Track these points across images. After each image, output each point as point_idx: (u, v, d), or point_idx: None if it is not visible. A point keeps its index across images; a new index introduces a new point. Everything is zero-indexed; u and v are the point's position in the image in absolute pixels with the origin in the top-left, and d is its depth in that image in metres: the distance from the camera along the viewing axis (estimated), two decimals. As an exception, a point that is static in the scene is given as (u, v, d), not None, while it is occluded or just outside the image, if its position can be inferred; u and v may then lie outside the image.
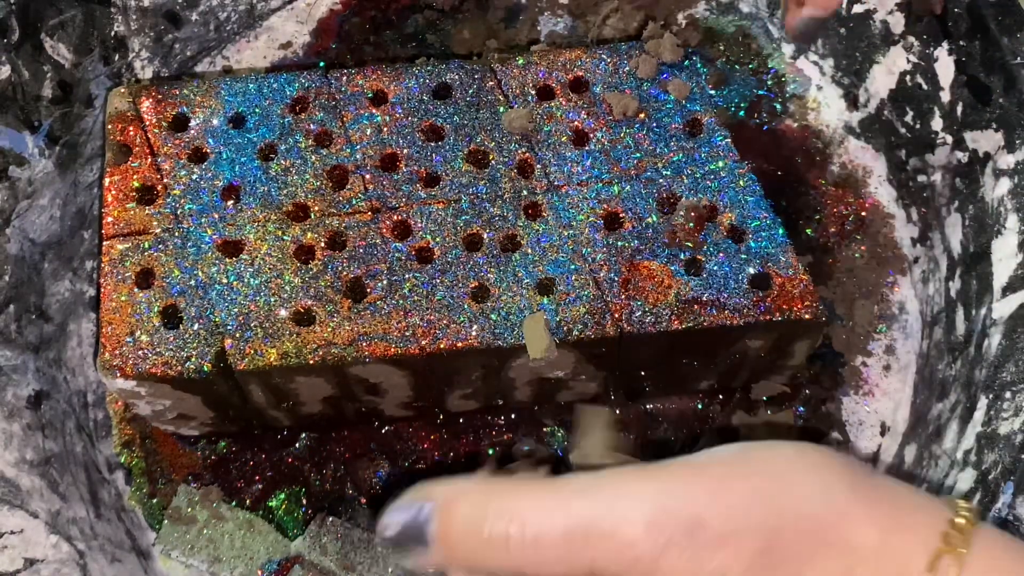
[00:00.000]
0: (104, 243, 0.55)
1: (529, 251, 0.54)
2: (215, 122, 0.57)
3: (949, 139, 0.61)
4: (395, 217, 0.55)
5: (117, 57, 0.65)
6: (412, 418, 0.61)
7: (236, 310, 0.53)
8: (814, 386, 0.62)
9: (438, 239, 0.54)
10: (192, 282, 0.54)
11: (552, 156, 0.56)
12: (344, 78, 0.58)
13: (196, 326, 0.53)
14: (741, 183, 0.56)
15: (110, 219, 0.55)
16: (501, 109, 0.57)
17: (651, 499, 0.39)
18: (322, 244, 0.54)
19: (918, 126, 0.63)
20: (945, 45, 0.61)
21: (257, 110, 0.57)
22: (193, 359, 0.52)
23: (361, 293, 0.53)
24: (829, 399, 0.62)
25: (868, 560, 0.39)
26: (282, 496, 0.60)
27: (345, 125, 0.57)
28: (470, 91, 0.58)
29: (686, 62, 0.59)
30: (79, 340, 0.62)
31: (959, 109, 0.60)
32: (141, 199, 0.56)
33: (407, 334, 0.52)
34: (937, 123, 0.61)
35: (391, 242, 0.54)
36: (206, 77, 0.67)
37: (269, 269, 0.54)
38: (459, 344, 0.52)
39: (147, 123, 0.57)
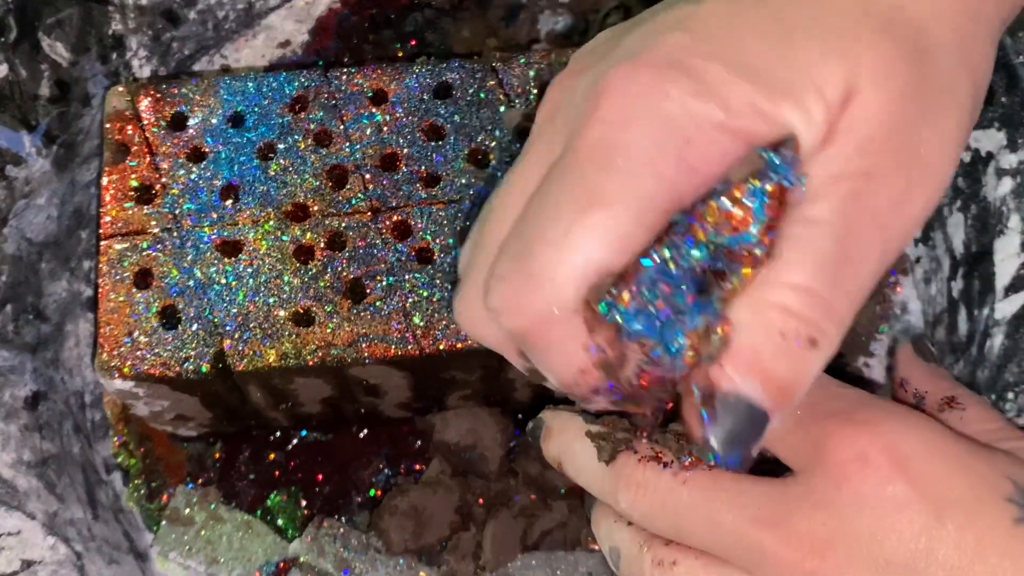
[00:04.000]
0: (102, 243, 0.54)
1: None
2: (214, 121, 0.57)
3: (951, 139, 0.60)
4: (395, 217, 0.55)
5: (115, 56, 0.64)
6: (411, 419, 0.61)
7: (235, 310, 0.53)
8: (815, 387, 0.61)
9: (439, 240, 0.54)
10: (191, 282, 0.53)
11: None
12: (344, 77, 0.58)
13: (195, 326, 0.52)
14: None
15: (108, 219, 0.55)
16: (502, 108, 0.57)
17: None
18: (322, 244, 0.54)
19: (920, 125, 0.62)
20: (947, 44, 0.60)
21: (256, 109, 0.57)
22: (192, 360, 0.52)
23: (361, 294, 0.53)
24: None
25: None
26: (280, 498, 0.60)
27: (345, 124, 0.57)
28: (471, 90, 0.58)
29: None
30: (76, 340, 0.62)
31: (961, 108, 0.60)
32: (139, 199, 0.55)
33: (407, 335, 0.52)
34: (939, 122, 0.61)
35: (391, 243, 0.54)
36: (204, 76, 0.67)
37: (268, 269, 0.53)
38: (459, 345, 0.52)
39: (145, 122, 0.57)
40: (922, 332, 0.60)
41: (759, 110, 0.36)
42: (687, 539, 0.42)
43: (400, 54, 0.69)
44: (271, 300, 0.53)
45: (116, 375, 0.52)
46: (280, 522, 0.60)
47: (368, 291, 0.53)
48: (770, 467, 0.42)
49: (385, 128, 0.57)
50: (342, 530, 0.59)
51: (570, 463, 0.46)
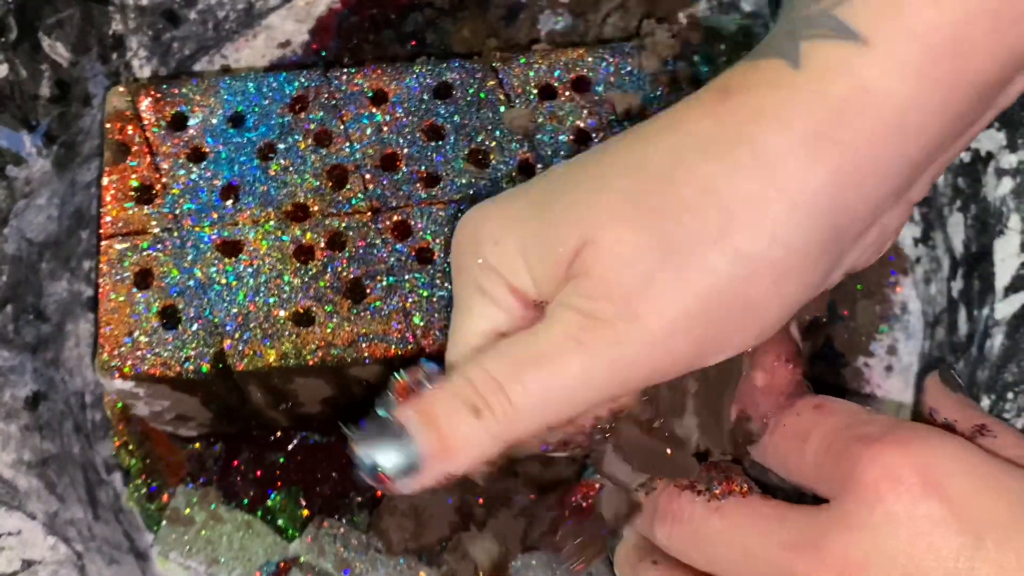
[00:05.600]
0: (102, 243, 0.54)
1: None
2: (214, 121, 0.57)
3: (951, 139, 0.60)
4: (395, 217, 0.55)
5: (115, 56, 0.64)
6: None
7: (235, 310, 0.53)
8: (815, 387, 0.61)
9: (439, 240, 0.54)
10: (191, 282, 0.53)
11: (553, 156, 0.56)
12: (344, 77, 0.58)
13: (195, 326, 0.53)
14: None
15: (108, 219, 0.55)
16: (502, 108, 0.57)
17: None
18: (322, 244, 0.54)
19: (920, 126, 0.62)
20: (947, 44, 0.60)
21: (256, 109, 0.57)
22: (192, 360, 0.52)
23: (361, 294, 0.53)
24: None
25: None
26: (280, 498, 0.60)
27: (345, 124, 0.57)
28: (471, 90, 0.58)
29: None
30: (77, 340, 0.62)
31: (961, 108, 0.60)
32: (139, 199, 0.55)
33: (407, 335, 0.52)
34: (939, 122, 0.61)
35: (391, 243, 0.54)
36: (205, 76, 0.67)
37: (268, 269, 0.54)
38: None
39: (146, 122, 0.57)
40: (949, 363, 0.59)
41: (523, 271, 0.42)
42: (720, 568, 0.42)
43: (400, 54, 0.69)
44: (271, 300, 0.53)
45: (116, 375, 0.52)
46: (280, 522, 0.60)
47: (368, 291, 0.53)
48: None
49: (385, 128, 0.57)
50: (342, 530, 0.59)
51: None
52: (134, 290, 0.53)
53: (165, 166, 0.56)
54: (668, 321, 0.39)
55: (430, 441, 0.41)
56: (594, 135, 0.57)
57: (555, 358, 0.40)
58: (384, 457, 0.41)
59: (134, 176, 0.56)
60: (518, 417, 0.40)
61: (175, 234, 0.54)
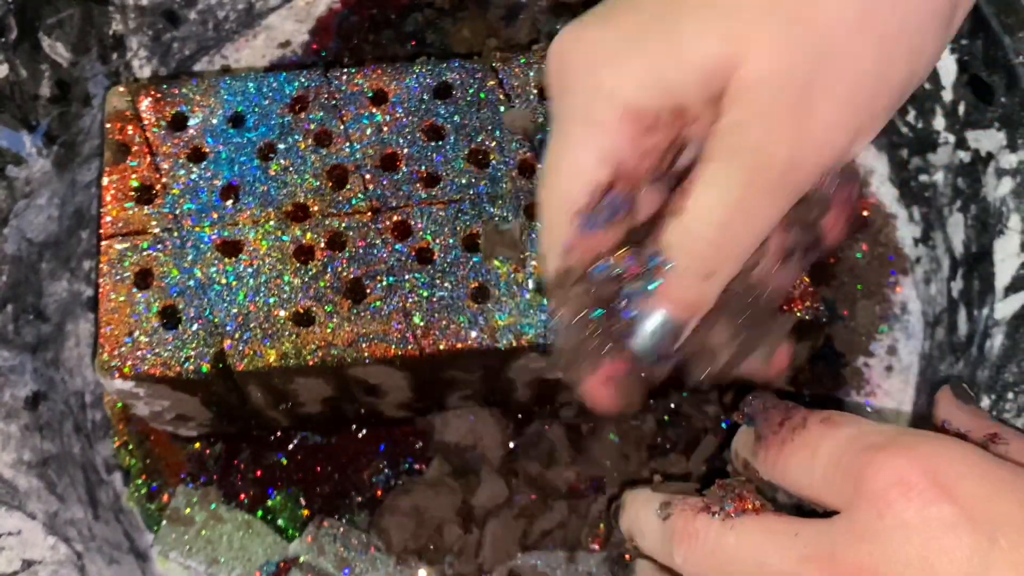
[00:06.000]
0: (102, 243, 0.54)
1: (530, 252, 0.54)
2: (214, 121, 0.57)
3: (951, 138, 0.61)
4: (395, 217, 0.55)
5: (115, 56, 0.64)
6: (412, 419, 0.61)
7: (235, 310, 0.53)
8: (815, 387, 0.62)
9: (438, 240, 0.54)
10: (191, 282, 0.53)
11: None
12: (344, 77, 0.58)
13: (195, 326, 0.52)
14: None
15: (108, 219, 0.55)
16: (502, 108, 0.57)
17: None
18: (322, 244, 0.54)
19: (920, 125, 0.63)
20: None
21: (256, 109, 0.57)
22: (192, 360, 0.52)
23: (361, 294, 0.53)
24: (830, 400, 0.61)
25: None
26: (280, 497, 0.60)
27: (345, 124, 0.57)
28: (471, 90, 0.58)
29: None
30: (77, 340, 0.62)
31: (961, 108, 0.60)
32: (140, 199, 0.55)
33: (407, 335, 0.52)
34: (939, 122, 0.61)
35: (391, 243, 0.54)
36: (205, 76, 0.67)
37: (268, 269, 0.53)
38: (459, 345, 0.52)
39: (146, 122, 0.57)
40: (959, 376, 0.59)
41: (649, 89, 0.41)
42: None
43: (400, 54, 0.69)
44: (271, 300, 0.53)
45: (116, 375, 0.52)
46: (280, 522, 0.60)
47: (368, 291, 0.53)
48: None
49: (385, 128, 0.57)
50: (342, 530, 0.59)
51: (637, 529, 0.48)
52: (134, 290, 0.53)
53: (165, 166, 0.56)
54: (832, 127, 0.41)
55: (680, 310, 0.43)
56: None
57: (750, 198, 0.41)
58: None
59: (134, 176, 0.56)
60: (725, 262, 0.42)
61: (175, 234, 0.54)
